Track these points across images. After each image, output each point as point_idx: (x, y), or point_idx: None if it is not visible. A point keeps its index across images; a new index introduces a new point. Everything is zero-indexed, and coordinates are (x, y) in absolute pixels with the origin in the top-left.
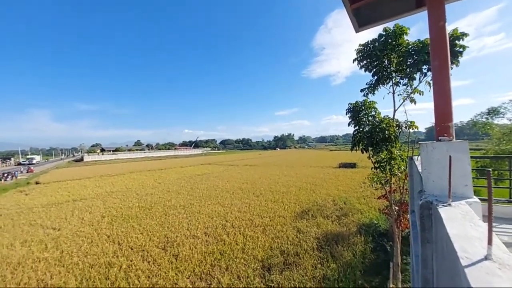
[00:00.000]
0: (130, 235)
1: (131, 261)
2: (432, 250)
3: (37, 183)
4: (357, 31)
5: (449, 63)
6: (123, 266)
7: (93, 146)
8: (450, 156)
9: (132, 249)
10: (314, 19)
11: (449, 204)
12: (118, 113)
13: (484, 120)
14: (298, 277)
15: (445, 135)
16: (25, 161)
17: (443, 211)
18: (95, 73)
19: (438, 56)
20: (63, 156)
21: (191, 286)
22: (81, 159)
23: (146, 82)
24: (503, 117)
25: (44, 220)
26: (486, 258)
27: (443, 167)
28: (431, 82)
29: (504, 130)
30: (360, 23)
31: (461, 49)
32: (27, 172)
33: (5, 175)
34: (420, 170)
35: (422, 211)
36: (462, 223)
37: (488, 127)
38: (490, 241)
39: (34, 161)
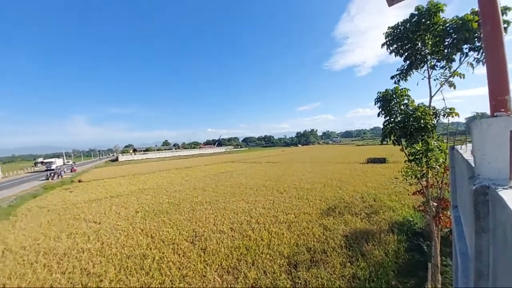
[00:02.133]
0: (161, 229)
1: (163, 253)
2: (488, 241)
3: (79, 181)
4: (390, 4)
5: (502, 26)
6: (156, 258)
7: (126, 147)
8: (511, 131)
9: (163, 242)
10: (336, 7)
11: (511, 187)
12: (146, 115)
13: None
14: (326, 275)
15: (502, 110)
16: (43, 163)
17: (504, 194)
18: (123, 77)
19: (489, 19)
20: (100, 157)
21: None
22: (116, 159)
23: (170, 85)
24: None
25: (86, 215)
26: None
27: (501, 146)
28: (474, 62)
29: None
30: None
31: (505, 25)
32: (71, 172)
33: (52, 174)
34: (466, 158)
35: (476, 197)
36: None
37: None
38: None
39: (53, 166)
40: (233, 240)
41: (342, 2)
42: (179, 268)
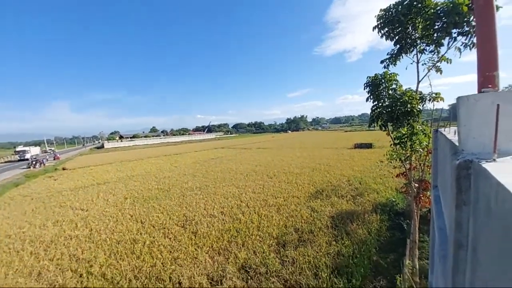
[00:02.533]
0: (151, 214)
1: (153, 237)
2: (468, 212)
3: (64, 169)
4: None
5: (494, 1)
6: (147, 242)
7: (112, 133)
8: (498, 105)
9: (154, 227)
10: None
11: (494, 160)
12: (133, 101)
13: None
14: (312, 253)
15: (489, 86)
16: (16, 152)
17: (488, 166)
18: (104, 62)
19: None
20: (82, 144)
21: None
22: (102, 146)
23: (155, 70)
24: None
25: (73, 202)
26: None
27: (486, 122)
28: (462, 47)
29: None
30: None
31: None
32: (54, 159)
33: (34, 162)
34: (450, 138)
35: (459, 171)
36: None
37: None
38: None
39: (27, 155)
40: (224, 223)
41: None
42: (170, 251)
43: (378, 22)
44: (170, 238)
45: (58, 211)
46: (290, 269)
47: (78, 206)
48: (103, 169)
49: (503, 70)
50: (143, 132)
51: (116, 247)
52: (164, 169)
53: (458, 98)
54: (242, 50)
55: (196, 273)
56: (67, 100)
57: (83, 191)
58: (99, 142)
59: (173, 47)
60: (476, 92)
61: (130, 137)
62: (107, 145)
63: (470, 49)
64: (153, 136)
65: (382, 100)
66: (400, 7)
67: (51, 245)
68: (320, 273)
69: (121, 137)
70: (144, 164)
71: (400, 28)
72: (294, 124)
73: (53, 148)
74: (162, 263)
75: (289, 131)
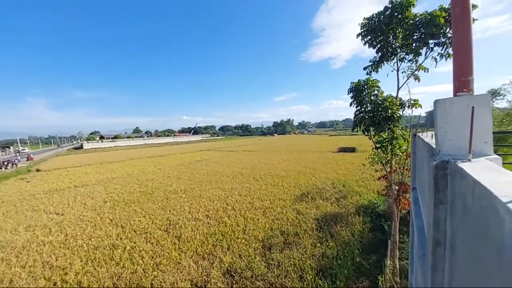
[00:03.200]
0: (132, 218)
1: (134, 242)
2: (445, 211)
3: (38, 170)
4: None
5: (471, 10)
6: (127, 248)
7: (91, 133)
8: (473, 107)
9: (135, 231)
10: None
11: (469, 160)
12: (114, 101)
13: None
14: (298, 255)
15: (464, 90)
16: None
17: (464, 165)
18: (87, 58)
19: (459, 1)
20: (60, 144)
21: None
22: (81, 147)
23: (140, 68)
24: (502, 99)
25: (47, 206)
26: None
27: (462, 124)
28: (438, 57)
29: (508, 110)
30: None
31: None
32: (27, 160)
33: (5, 163)
34: (427, 141)
35: (437, 171)
36: (489, 173)
37: None
38: None
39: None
40: (209, 227)
41: None
42: (152, 257)
43: (362, 30)
44: (152, 243)
45: (31, 215)
46: (275, 272)
47: (52, 210)
48: (81, 171)
49: (476, 80)
50: (126, 132)
51: (93, 253)
52: (147, 171)
53: (435, 102)
54: (230, 52)
55: (180, 278)
56: (44, 97)
57: (59, 194)
58: (77, 142)
59: (160, 47)
60: (452, 96)
61: (112, 138)
62: (87, 145)
63: (446, 59)
64: (136, 137)
65: (364, 105)
66: (382, 16)
67: (23, 251)
68: (305, 275)
69: (101, 138)
70: (126, 166)
71: (382, 37)
72: (280, 128)
73: (26, 149)
74: (143, 269)
75: (275, 135)
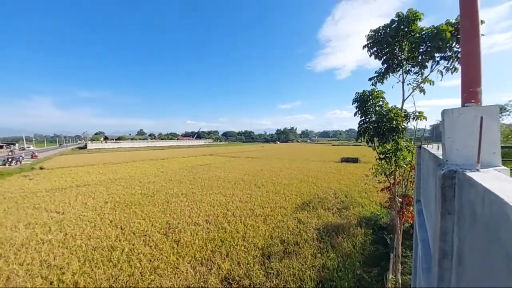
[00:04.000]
0: (132, 220)
1: (133, 245)
2: (453, 221)
3: (41, 168)
4: None
5: (480, 22)
6: (125, 250)
7: (96, 134)
8: (481, 117)
9: (134, 233)
10: (322, 9)
11: (477, 170)
12: (119, 102)
13: None
14: (297, 265)
15: (473, 101)
16: None
17: (473, 174)
18: (92, 59)
19: (468, 14)
20: (65, 143)
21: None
22: (85, 147)
23: (146, 71)
24: (509, 115)
25: (48, 204)
26: None
27: (470, 134)
28: (443, 70)
29: None
30: None
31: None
32: (31, 158)
33: (10, 160)
34: (433, 152)
35: (444, 181)
36: (498, 182)
37: None
38: None
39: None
40: (208, 232)
41: (328, 5)
42: (150, 260)
43: (368, 42)
44: (150, 246)
45: (32, 213)
46: (274, 281)
47: (53, 208)
48: (84, 171)
49: (483, 96)
50: (130, 134)
51: (91, 254)
52: (149, 174)
53: (443, 111)
54: (238, 57)
55: (176, 283)
56: (50, 96)
57: (60, 193)
58: (82, 142)
59: (167, 51)
60: (460, 106)
61: (116, 139)
62: (91, 145)
63: (452, 73)
64: (140, 139)
65: (369, 116)
66: (388, 29)
67: (21, 248)
68: (304, 286)
69: (106, 138)
70: (128, 168)
71: (387, 49)
72: (283, 135)
73: (31, 146)
74: (140, 273)
75: (278, 142)
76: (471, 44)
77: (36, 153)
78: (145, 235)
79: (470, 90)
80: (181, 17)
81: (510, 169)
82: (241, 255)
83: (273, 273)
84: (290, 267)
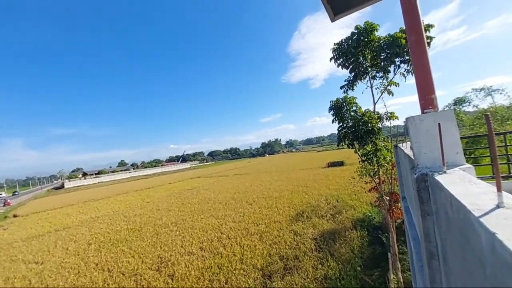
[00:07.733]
0: (120, 260)
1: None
2: (433, 222)
3: (15, 216)
4: (332, 20)
5: (425, 37)
6: None
7: (73, 171)
8: (439, 124)
9: (123, 274)
10: (288, 26)
11: (445, 172)
12: (96, 135)
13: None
14: (300, 280)
15: (430, 107)
16: None
17: (440, 178)
18: (64, 95)
19: (413, 31)
20: (40, 185)
21: None
22: (62, 186)
23: (121, 100)
24: (469, 105)
25: (25, 255)
26: (498, 206)
27: (433, 138)
28: (405, 73)
29: (477, 114)
30: (335, 12)
31: (428, 40)
32: (3, 206)
33: None
34: (407, 153)
35: (418, 184)
36: (463, 184)
37: (457, 116)
38: (499, 188)
39: None
40: (204, 260)
41: (294, 21)
42: None
43: (334, 54)
44: (143, 286)
45: (9, 267)
46: None
47: (31, 259)
48: (62, 213)
49: (443, 89)
50: (110, 167)
51: None
52: (135, 206)
53: (407, 119)
54: (214, 77)
55: None
56: (21, 137)
57: (38, 241)
58: (58, 182)
59: (143, 79)
60: (420, 113)
61: (95, 174)
62: (68, 184)
63: (412, 74)
64: (121, 170)
65: (346, 121)
66: (350, 41)
67: None
68: None
69: (84, 174)
70: (111, 203)
71: (352, 59)
72: (269, 148)
73: (3, 193)
74: None
75: (267, 155)
76: (420, 56)
77: (8, 200)
78: (136, 274)
79: (426, 97)
80: (158, 49)
81: (477, 157)
82: (240, 280)
83: None
84: (293, 284)
